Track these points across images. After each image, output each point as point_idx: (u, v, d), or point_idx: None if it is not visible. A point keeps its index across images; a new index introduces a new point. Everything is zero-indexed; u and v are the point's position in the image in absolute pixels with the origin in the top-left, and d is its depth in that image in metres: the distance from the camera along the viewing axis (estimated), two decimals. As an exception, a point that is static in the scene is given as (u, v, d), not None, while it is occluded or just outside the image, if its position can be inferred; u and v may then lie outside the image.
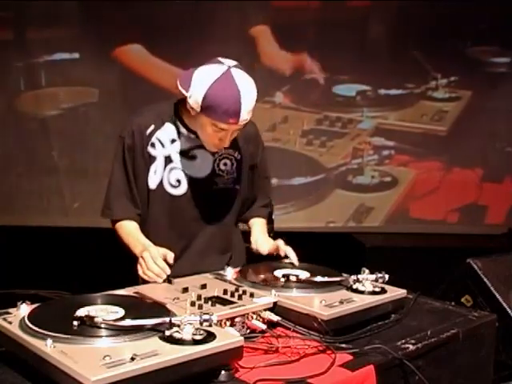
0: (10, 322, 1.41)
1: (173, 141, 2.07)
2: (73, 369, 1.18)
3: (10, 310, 1.49)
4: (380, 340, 1.62)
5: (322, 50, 4.91)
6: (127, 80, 4.78)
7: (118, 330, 1.34)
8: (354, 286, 1.79)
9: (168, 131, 2.07)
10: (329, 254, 3.34)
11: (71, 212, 4.91)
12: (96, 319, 1.36)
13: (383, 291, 1.79)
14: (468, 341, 1.78)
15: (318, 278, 1.81)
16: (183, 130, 2.07)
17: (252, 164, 2.23)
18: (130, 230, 2.07)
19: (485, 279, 2.58)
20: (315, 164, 5.10)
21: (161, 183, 2.07)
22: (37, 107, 4.83)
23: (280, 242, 2.08)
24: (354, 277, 1.80)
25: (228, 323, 1.55)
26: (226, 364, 1.36)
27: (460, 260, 2.70)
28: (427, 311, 1.93)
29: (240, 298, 1.65)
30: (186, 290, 1.71)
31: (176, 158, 2.07)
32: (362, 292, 1.76)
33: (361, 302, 1.69)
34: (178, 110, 2.08)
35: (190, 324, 1.34)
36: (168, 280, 1.81)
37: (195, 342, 1.32)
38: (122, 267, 2.01)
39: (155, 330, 1.36)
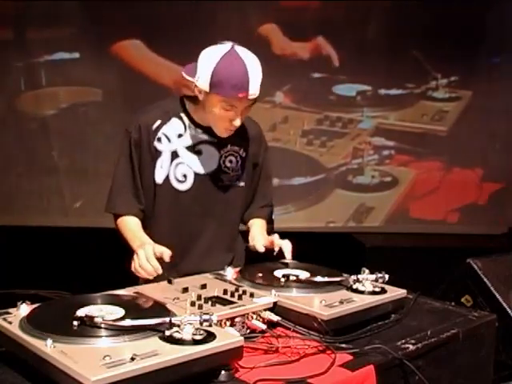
0: (10, 322, 1.41)
1: (179, 136, 2.07)
2: (73, 369, 1.18)
3: (10, 310, 1.49)
4: (380, 340, 1.62)
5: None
6: (127, 80, 4.78)
7: (117, 330, 1.34)
8: (354, 286, 1.79)
9: (175, 126, 2.08)
10: (329, 253, 3.34)
11: (71, 212, 4.91)
12: (96, 319, 1.36)
13: (383, 291, 1.79)
14: (468, 341, 1.77)
15: (318, 278, 1.81)
16: (190, 125, 2.07)
17: (254, 163, 2.23)
18: (130, 226, 2.07)
19: (485, 279, 2.58)
20: (315, 164, 5.10)
21: (167, 178, 2.07)
22: (37, 107, 4.83)
23: (275, 237, 2.07)
24: (354, 277, 1.80)
25: (228, 323, 1.55)
26: (226, 364, 1.36)
27: (460, 260, 2.69)
28: (427, 311, 1.93)
29: (240, 298, 1.65)
30: (185, 289, 1.71)
31: (182, 152, 2.07)
32: (362, 292, 1.76)
33: (361, 302, 1.69)
34: (184, 106, 2.09)
35: (190, 324, 1.34)
36: (168, 280, 1.80)
37: (195, 342, 1.32)
38: (122, 267, 2.01)
39: (155, 329, 1.36)
